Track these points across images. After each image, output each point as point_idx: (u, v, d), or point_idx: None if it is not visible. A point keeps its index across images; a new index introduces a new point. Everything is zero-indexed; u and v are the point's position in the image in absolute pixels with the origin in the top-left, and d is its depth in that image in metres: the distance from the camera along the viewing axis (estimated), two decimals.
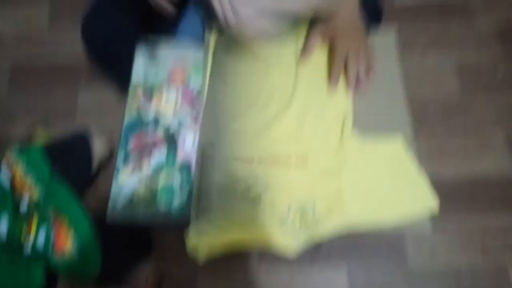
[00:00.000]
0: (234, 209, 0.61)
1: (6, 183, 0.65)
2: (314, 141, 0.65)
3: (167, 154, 0.65)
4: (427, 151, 1.09)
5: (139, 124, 0.67)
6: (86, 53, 0.88)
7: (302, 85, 0.69)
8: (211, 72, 0.71)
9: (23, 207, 0.64)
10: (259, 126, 0.67)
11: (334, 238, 0.61)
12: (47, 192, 0.69)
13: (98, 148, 0.86)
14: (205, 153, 0.65)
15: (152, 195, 0.62)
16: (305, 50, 0.70)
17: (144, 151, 0.65)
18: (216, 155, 0.65)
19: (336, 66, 0.67)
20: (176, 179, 0.63)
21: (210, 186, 0.62)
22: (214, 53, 0.73)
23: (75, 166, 0.79)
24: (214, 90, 0.70)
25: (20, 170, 0.68)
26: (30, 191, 0.67)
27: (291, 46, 0.73)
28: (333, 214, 0.60)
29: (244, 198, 0.61)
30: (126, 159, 0.64)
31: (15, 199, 0.64)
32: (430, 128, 1.11)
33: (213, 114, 0.68)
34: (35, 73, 1.27)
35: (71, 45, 1.27)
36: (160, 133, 0.66)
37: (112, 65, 0.93)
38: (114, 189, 0.62)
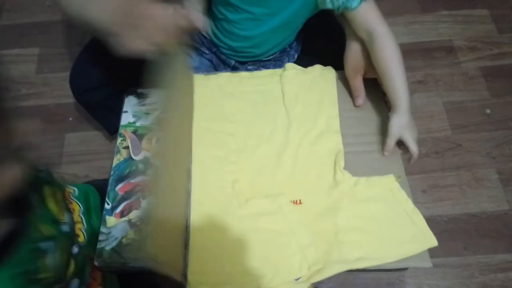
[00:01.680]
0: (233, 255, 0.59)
1: (70, 222, 0.61)
2: (307, 184, 0.64)
3: None
4: (421, 188, 1.08)
5: (128, 166, 0.65)
6: (75, 96, 0.87)
7: (294, 125, 0.69)
8: (199, 111, 0.71)
9: (74, 250, 0.61)
10: (250, 169, 0.66)
11: (331, 277, 0.58)
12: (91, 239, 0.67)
13: None
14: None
15: (141, 239, 0.59)
16: (356, 93, 0.71)
17: (134, 193, 0.63)
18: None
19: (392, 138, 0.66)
20: None
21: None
22: (201, 94, 0.72)
23: None
24: (202, 130, 0.69)
25: (77, 212, 0.65)
26: (80, 237, 0.64)
27: (277, 87, 0.73)
28: (332, 257, 0.58)
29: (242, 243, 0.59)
30: (115, 202, 0.62)
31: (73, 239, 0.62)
32: (423, 165, 1.11)
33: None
34: (21, 114, 1.25)
35: (58, 86, 1.27)
36: (149, 175, 0.64)
37: (100, 111, 0.92)
38: (102, 232, 0.60)
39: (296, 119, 0.69)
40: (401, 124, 0.64)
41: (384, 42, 0.64)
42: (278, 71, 0.75)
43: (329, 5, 0.66)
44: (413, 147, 0.65)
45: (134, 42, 0.58)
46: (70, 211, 0.62)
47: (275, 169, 0.66)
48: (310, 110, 0.70)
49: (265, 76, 0.75)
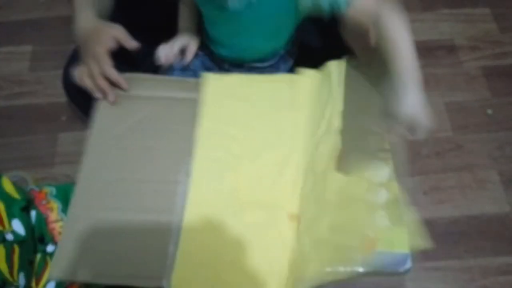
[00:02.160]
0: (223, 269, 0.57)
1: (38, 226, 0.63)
2: (307, 198, 0.62)
3: None
4: (422, 190, 1.07)
5: None
6: (68, 96, 0.86)
7: (301, 133, 0.67)
8: (206, 110, 0.69)
9: (48, 249, 0.62)
10: (249, 176, 0.64)
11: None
12: None
13: None
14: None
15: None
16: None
17: None
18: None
19: None
20: None
21: None
22: (209, 93, 0.71)
23: None
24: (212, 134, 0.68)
25: (56, 211, 0.66)
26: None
27: (287, 93, 0.71)
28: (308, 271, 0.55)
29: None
30: None
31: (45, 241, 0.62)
32: (424, 166, 1.10)
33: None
34: (14, 113, 1.23)
35: (51, 85, 1.25)
36: None
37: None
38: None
39: (304, 127, 0.68)
40: (415, 102, 0.51)
41: (392, 15, 0.56)
42: (290, 76, 0.74)
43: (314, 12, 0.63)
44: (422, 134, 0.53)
45: (81, 75, 0.64)
46: (24, 218, 0.62)
47: (275, 179, 0.64)
48: (318, 118, 0.68)
49: (277, 81, 0.73)
